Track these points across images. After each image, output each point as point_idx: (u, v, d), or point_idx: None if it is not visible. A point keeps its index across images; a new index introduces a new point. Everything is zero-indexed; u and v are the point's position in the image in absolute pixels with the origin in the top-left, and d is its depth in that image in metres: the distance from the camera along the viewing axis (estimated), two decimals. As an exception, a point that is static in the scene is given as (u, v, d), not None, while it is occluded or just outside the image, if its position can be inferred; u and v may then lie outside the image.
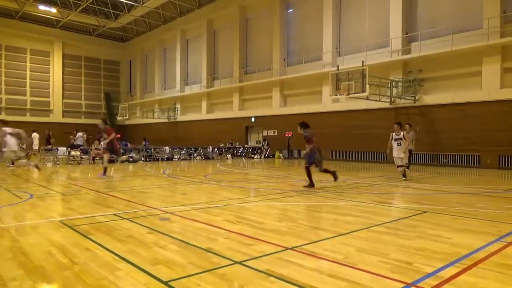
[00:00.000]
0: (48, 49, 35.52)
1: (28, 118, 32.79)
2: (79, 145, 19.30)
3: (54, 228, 4.97)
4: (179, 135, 31.84)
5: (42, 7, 30.00)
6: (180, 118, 32.61)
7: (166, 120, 33.28)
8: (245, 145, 27.16)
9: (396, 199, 7.95)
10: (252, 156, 25.21)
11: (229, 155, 25.10)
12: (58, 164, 17.62)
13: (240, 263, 3.42)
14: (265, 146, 25.51)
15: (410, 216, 5.68)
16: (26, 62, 34.49)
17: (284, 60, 25.13)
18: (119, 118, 36.63)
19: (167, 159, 21.90)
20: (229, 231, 4.69)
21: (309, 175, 8.89)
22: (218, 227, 4.86)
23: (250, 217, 5.58)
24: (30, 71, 34.64)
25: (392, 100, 18.82)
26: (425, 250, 3.85)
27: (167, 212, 5.86)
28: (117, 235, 4.48)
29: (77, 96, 37.53)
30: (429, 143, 17.47)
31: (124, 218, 5.47)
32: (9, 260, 3.52)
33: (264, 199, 7.35)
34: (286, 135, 23.64)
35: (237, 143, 27.15)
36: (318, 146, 8.92)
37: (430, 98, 17.89)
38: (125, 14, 32.27)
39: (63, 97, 36.42)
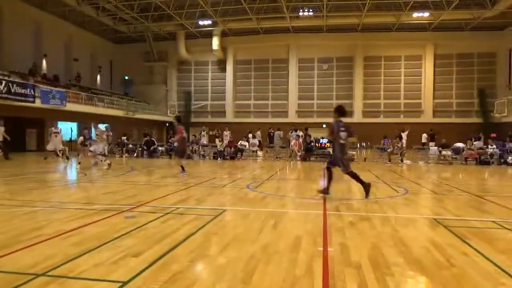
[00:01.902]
0: (420, 53, 37.21)
1: (401, 119, 35.68)
2: (448, 145, 18.89)
3: (428, 225, 5.12)
4: None
5: (415, 14, 31.75)
6: None
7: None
8: None
9: None
10: None
11: None
12: (429, 163, 18.05)
13: None
14: None
15: None
16: (400, 69, 37.74)
17: None
18: (496, 115, 32.91)
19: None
20: None
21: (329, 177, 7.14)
22: None
23: None
24: (404, 76, 37.60)
25: None
26: None
27: None
28: (499, 245, 4.02)
29: (448, 95, 37.02)
30: None
31: (504, 228, 4.85)
32: (391, 247, 3.94)
33: None
34: None
35: None
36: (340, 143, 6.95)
37: None
38: (504, -2, 28.62)
39: (433, 98, 37.04)
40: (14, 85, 19.94)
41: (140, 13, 31.15)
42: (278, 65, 38.35)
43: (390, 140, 19.00)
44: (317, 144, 19.30)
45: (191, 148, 19.91)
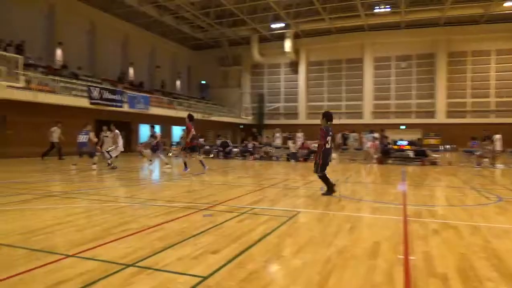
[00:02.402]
0: (514, 46, 33.60)
1: (492, 119, 32.46)
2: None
3: (527, 237, 4.58)
4: None
5: (507, 4, 28.70)
6: None
7: None
8: None
9: None
10: None
11: None
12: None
13: None
14: None
15: None
16: (490, 64, 34.33)
17: None
18: None
19: None
20: None
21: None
22: None
23: None
24: (495, 72, 34.16)
25: None
26: None
27: None
28: None
29: (549, 92, 32.86)
30: None
31: None
32: (482, 259, 3.59)
33: None
34: None
35: None
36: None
37: None
38: None
39: (531, 95, 33.14)
40: (106, 92, 21.98)
41: (216, 19, 32.41)
42: (352, 65, 37.29)
43: (479, 142, 17.38)
44: (394, 146, 18.37)
45: (264, 150, 20.19)
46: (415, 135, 30.41)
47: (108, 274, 3.06)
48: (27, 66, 18.03)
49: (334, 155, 19.84)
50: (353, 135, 20.37)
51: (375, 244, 4.07)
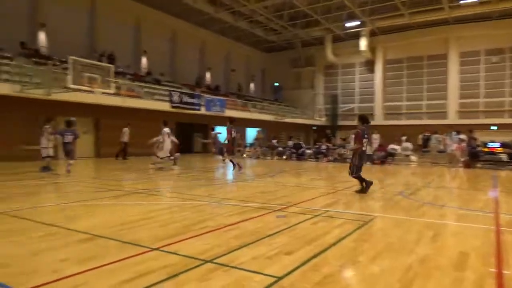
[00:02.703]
0: None
1: None
2: None
3: None
4: None
5: None
6: None
7: None
8: None
9: None
10: None
11: None
12: None
13: None
14: None
15: None
16: None
17: None
18: None
19: None
20: None
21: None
22: None
23: None
24: None
25: None
26: None
27: None
28: None
29: None
30: None
31: None
32: None
33: None
34: None
35: None
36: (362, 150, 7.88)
37: None
38: None
39: None
40: (185, 96, 23.26)
41: (289, 21, 32.50)
42: (434, 61, 34.79)
43: None
44: (484, 149, 16.77)
45: (338, 152, 19.74)
46: (509, 137, 27.44)
47: (188, 268, 3.23)
48: (117, 74, 19.73)
49: (413, 157, 18.78)
50: (436, 137, 18.99)
51: (462, 254, 3.75)
